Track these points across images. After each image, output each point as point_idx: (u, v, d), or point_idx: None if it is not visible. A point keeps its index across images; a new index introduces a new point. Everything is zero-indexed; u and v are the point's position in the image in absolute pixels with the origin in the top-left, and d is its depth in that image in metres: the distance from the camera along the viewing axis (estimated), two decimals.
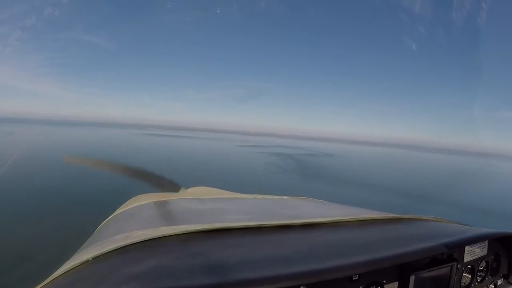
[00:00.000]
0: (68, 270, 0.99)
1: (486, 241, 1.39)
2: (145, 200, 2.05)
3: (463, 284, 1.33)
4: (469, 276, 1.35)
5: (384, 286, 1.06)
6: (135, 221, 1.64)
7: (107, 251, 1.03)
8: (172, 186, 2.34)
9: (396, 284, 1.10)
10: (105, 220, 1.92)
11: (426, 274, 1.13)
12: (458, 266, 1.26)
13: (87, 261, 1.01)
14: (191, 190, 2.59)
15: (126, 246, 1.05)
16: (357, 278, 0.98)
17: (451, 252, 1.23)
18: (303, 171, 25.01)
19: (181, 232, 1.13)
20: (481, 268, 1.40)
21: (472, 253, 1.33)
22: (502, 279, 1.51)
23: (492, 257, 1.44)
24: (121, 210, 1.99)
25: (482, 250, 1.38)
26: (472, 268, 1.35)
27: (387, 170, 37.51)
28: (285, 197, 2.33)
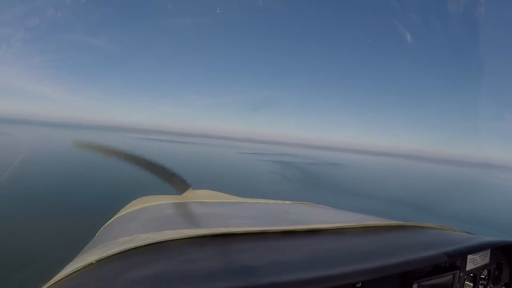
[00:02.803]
0: (71, 273, 0.99)
1: (489, 250, 1.38)
2: (148, 202, 2.04)
3: None
4: (471, 284, 1.34)
5: None
6: (138, 223, 1.63)
7: (111, 255, 1.03)
8: (182, 187, 2.33)
9: None
10: (108, 222, 1.91)
11: (428, 282, 1.13)
12: (461, 274, 1.26)
13: (91, 264, 1.01)
14: (194, 193, 2.59)
15: (130, 249, 1.05)
16: (360, 285, 0.98)
17: (453, 260, 1.23)
18: (307, 180, 24.85)
19: (185, 237, 1.13)
20: (483, 276, 1.40)
21: (474, 261, 1.33)
22: (504, 287, 1.50)
23: (494, 266, 1.43)
24: (123, 212, 1.98)
25: (485, 259, 1.37)
26: (474, 277, 1.35)
27: (391, 180, 37.36)
28: (288, 202, 2.32)
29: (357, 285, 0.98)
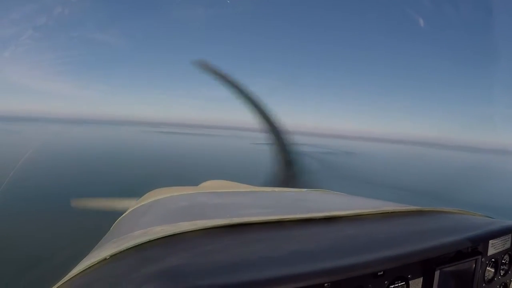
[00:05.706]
0: (85, 269, 0.98)
1: (510, 234, 1.35)
2: (162, 194, 2.03)
3: (486, 278, 1.29)
4: (492, 270, 1.31)
5: (409, 281, 1.04)
6: (153, 216, 1.62)
7: (125, 249, 1.01)
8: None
9: (421, 279, 1.07)
10: (122, 216, 1.91)
11: (450, 268, 1.11)
12: (483, 259, 1.23)
13: (105, 259, 0.99)
14: (208, 183, 2.58)
15: (145, 243, 1.03)
16: (382, 274, 0.96)
17: (475, 246, 1.20)
18: (323, 171, 24.70)
19: (201, 228, 1.12)
20: (504, 261, 1.36)
21: (496, 246, 1.30)
22: None
23: None
24: (138, 205, 1.98)
25: (506, 244, 1.34)
26: (496, 262, 1.31)
27: (407, 168, 36.93)
28: (304, 189, 2.29)
29: (379, 273, 0.95)
